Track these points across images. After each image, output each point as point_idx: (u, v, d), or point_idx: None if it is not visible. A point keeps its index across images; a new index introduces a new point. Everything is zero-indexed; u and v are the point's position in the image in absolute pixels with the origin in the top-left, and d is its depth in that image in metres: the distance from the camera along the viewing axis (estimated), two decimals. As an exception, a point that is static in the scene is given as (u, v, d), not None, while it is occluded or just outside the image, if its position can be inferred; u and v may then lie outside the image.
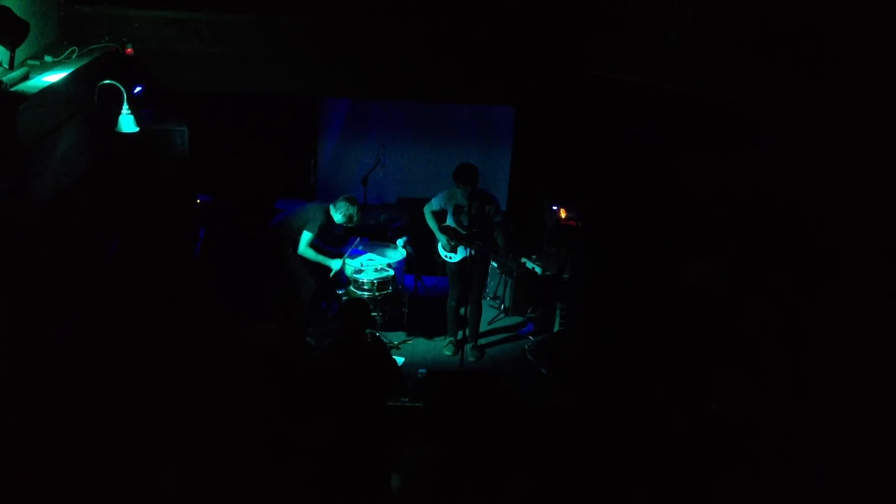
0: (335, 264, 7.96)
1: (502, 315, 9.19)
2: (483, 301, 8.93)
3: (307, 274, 7.95)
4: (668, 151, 6.86)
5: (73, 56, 5.97)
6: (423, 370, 7.73)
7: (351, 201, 7.84)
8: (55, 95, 5.23)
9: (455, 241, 7.98)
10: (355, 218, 7.88)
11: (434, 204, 8.05)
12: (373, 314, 8.01)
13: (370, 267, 8.40)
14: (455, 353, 8.20)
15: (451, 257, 8.09)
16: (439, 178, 9.49)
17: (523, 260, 9.08)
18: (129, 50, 6.67)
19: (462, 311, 8.21)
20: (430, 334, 8.59)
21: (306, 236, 7.74)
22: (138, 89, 6.78)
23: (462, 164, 7.85)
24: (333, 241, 8.27)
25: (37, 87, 5.05)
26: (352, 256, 8.44)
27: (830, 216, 5.41)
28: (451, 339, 8.34)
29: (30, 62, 5.55)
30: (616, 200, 7.26)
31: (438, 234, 8.06)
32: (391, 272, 8.36)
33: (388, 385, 5.71)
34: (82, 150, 5.84)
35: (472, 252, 7.89)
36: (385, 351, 5.88)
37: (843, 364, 5.35)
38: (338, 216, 7.83)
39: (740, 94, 5.97)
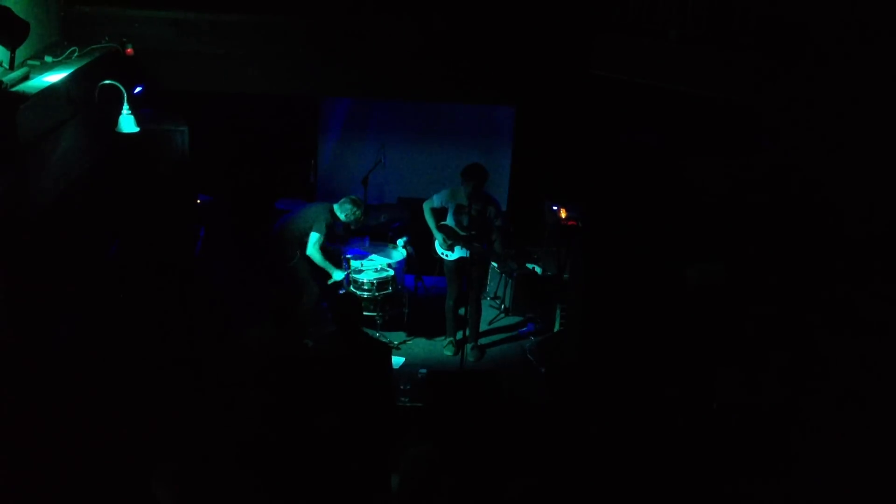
0: (338, 274, 7.95)
1: (502, 315, 9.19)
2: (483, 301, 8.94)
3: (311, 278, 7.94)
4: (669, 151, 6.86)
5: (74, 56, 5.97)
6: (424, 370, 7.73)
7: (356, 202, 7.84)
8: (55, 95, 5.23)
9: (452, 240, 7.98)
10: (360, 218, 7.89)
11: (435, 201, 8.03)
12: (372, 314, 8.01)
13: (370, 267, 8.40)
14: (455, 353, 8.20)
15: (447, 255, 8.09)
16: (440, 178, 9.50)
17: (529, 266, 9.10)
18: (130, 50, 6.68)
19: (462, 310, 8.21)
20: (430, 334, 8.59)
21: (314, 237, 7.72)
22: (138, 89, 6.78)
23: (473, 163, 7.83)
24: (334, 241, 8.27)
25: (37, 87, 5.06)
26: (353, 257, 8.45)
27: (830, 215, 5.41)
28: (451, 338, 8.34)
29: (30, 62, 5.56)
30: (616, 200, 7.26)
31: (436, 233, 8.05)
32: (391, 272, 8.36)
33: (381, 384, 5.68)
34: (82, 150, 5.84)
35: (469, 254, 7.89)
36: (382, 356, 5.84)
37: (842, 363, 5.35)
38: (342, 216, 7.84)
39: (740, 94, 5.97)
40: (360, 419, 5.53)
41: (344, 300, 6.08)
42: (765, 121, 5.94)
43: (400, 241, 8.77)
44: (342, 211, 7.82)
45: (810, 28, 5.50)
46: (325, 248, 7.90)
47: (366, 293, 8.14)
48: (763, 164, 6.12)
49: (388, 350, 5.85)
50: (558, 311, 8.58)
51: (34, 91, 4.96)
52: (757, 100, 5.87)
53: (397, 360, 7.98)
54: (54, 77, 5.35)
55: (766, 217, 6.15)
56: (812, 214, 5.60)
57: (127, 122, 6.03)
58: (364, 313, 8.15)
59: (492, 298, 9.42)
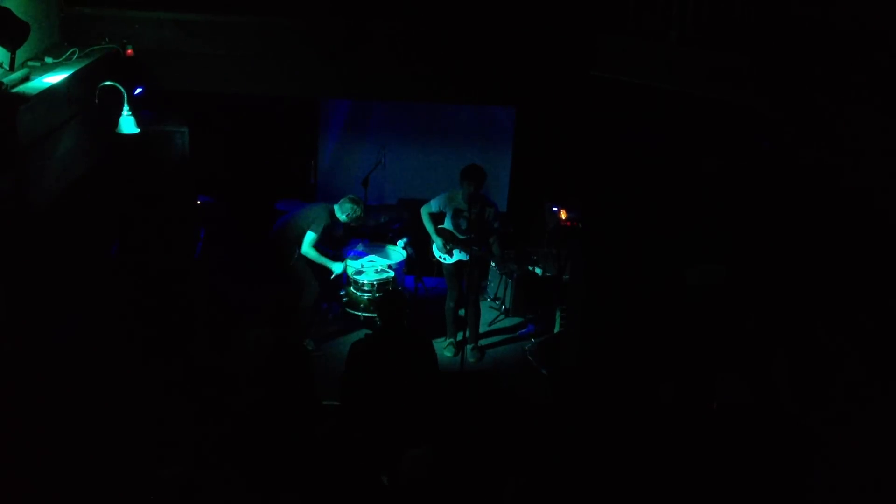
0: (337, 267, 7.96)
1: (503, 316, 9.19)
2: (483, 302, 8.94)
3: (311, 277, 7.94)
4: (669, 152, 6.86)
5: (74, 57, 5.97)
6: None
7: (355, 201, 7.87)
8: (56, 97, 5.24)
9: (451, 244, 7.98)
10: (360, 217, 7.90)
11: (433, 205, 8.04)
12: (373, 315, 8.01)
13: (370, 268, 8.40)
14: (455, 355, 8.20)
15: (445, 258, 8.09)
16: (440, 179, 9.50)
17: (529, 267, 9.11)
18: (130, 51, 6.68)
19: (461, 312, 8.21)
20: (430, 335, 8.55)
21: (310, 236, 7.75)
22: (139, 90, 6.78)
23: (471, 164, 7.83)
24: (335, 242, 8.27)
25: (37, 88, 5.06)
26: (353, 258, 8.45)
27: (831, 217, 5.41)
28: (451, 340, 8.34)
29: (30, 63, 5.56)
30: (616, 201, 7.26)
31: (434, 237, 8.05)
32: (391, 273, 8.36)
33: (421, 381, 5.64)
34: (83, 151, 5.84)
35: (468, 257, 7.89)
36: (428, 350, 5.82)
37: (843, 364, 5.35)
38: (342, 216, 7.85)
39: (740, 94, 5.97)
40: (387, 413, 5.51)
41: (389, 295, 6.06)
42: (765, 121, 5.95)
43: (400, 242, 8.77)
44: (342, 211, 7.84)
45: (810, 28, 5.51)
46: (322, 250, 7.91)
47: (366, 294, 8.14)
48: (763, 165, 6.12)
49: (430, 343, 5.82)
50: (558, 313, 8.57)
51: (34, 92, 4.96)
52: (757, 100, 5.87)
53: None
54: (54, 78, 5.35)
55: (766, 218, 6.16)
56: (811, 215, 5.61)
57: (127, 123, 6.04)
58: (364, 314, 8.23)
59: (492, 300, 9.42)
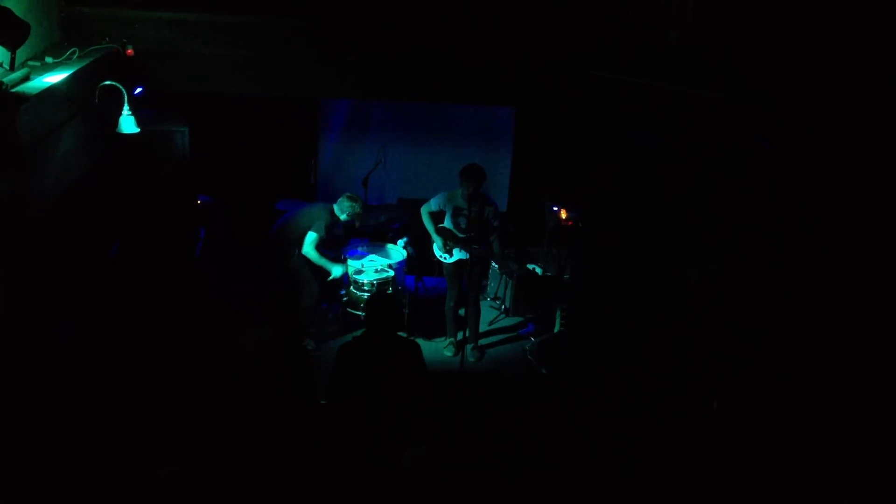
0: (337, 270, 7.95)
1: (503, 316, 9.20)
2: (483, 302, 8.94)
3: (311, 277, 7.95)
4: (669, 152, 6.86)
5: (74, 57, 5.97)
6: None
7: (353, 199, 7.87)
8: (56, 96, 5.24)
9: (451, 243, 7.98)
10: (359, 214, 7.90)
11: (432, 204, 8.04)
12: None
13: (370, 268, 8.40)
14: (455, 354, 8.20)
15: (445, 258, 8.09)
16: (440, 178, 9.51)
17: (529, 266, 9.11)
18: (130, 51, 6.69)
19: (462, 311, 8.21)
20: (430, 335, 8.59)
21: (312, 236, 7.74)
22: (139, 90, 6.79)
23: (471, 163, 7.83)
24: (335, 242, 8.27)
25: (37, 87, 5.06)
26: (353, 258, 8.45)
27: (831, 216, 5.41)
28: (452, 339, 8.34)
29: (30, 63, 5.56)
30: (616, 201, 7.26)
31: (434, 236, 8.05)
32: (391, 273, 8.37)
33: (408, 387, 5.61)
34: (83, 150, 5.84)
35: (469, 256, 7.89)
36: (415, 354, 5.75)
37: (843, 364, 5.35)
38: (342, 215, 7.86)
39: (740, 94, 5.98)
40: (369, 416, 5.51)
41: (380, 297, 6.02)
42: (765, 121, 5.95)
43: (400, 242, 8.78)
44: (341, 210, 7.84)
45: (810, 27, 5.51)
46: (324, 251, 7.91)
47: (366, 294, 8.13)
48: (762, 165, 6.12)
49: (418, 347, 5.79)
50: (558, 312, 8.58)
51: (35, 92, 4.96)
52: (757, 100, 5.88)
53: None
54: (55, 78, 5.35)
55: (766, 218, 6.16)
56: (811, 215, 5.61)
57: (127, 123, 6.04)
58: (364, 314, 8.23)
59: (492, 299, 9.42)
